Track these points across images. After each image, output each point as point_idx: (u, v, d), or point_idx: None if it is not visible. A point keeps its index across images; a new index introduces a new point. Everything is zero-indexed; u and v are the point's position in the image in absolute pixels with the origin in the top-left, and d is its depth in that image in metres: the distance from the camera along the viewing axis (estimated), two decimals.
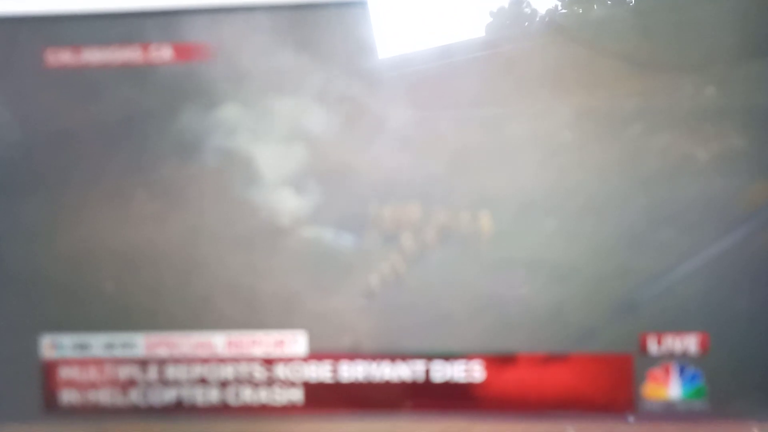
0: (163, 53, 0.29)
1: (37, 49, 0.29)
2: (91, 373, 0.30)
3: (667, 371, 0.28)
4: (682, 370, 0.27)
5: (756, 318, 0.27)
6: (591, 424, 0.28)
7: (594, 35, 0.27)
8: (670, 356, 0.28)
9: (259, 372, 0.29)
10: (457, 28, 0.28)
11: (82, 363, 0.30)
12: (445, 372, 0.28)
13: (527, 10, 0.28)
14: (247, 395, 0.29)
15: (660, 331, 0.27)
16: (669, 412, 0.28)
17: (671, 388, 0.28)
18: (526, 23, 0.28)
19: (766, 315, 0.27)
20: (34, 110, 0.29)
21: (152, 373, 0.30)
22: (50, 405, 0.30)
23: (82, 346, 0.30)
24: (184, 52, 0.29)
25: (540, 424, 0.28)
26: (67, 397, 0.30)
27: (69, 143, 0.29)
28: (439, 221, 0.28)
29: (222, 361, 0.29)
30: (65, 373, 0.30)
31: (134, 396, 0.30)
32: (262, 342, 0.29)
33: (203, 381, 0.29)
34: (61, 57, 0.29)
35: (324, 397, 0.29)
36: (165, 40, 0.29)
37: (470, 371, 0.28)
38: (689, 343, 0.27)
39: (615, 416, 0.28)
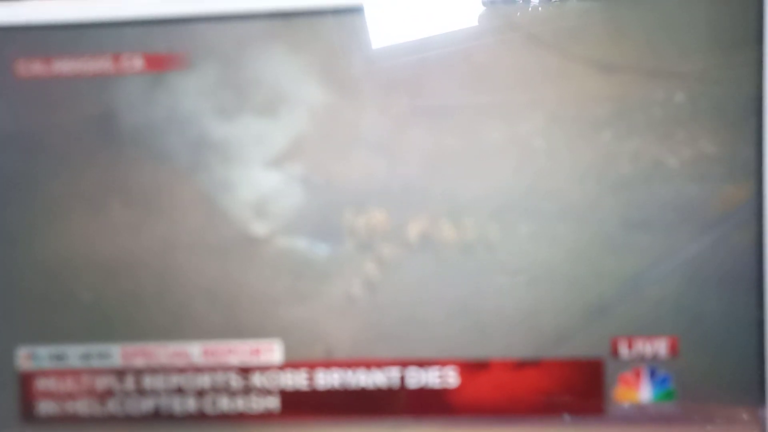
0: (135, 63, 0.29)
1: (7, 60, 0.29)
2: (68, 384, 0.30)
3: (637, 375, 0.28)
4: (652, 374, 0.28)
5: (724, 321, 0.27)
6: (562, 426, 0.28)
7: (565, 41, 0.27)
8: (641, 360, 0.28)
9: (235, 381, 0.29)
10: (432, 33, 0.28)
11: (59, 374, 0.30)
12: (419, 378, 0.29)
13: (499, 18, 0.28)
14: (224, 404, 0.29)
15: (631, 335, 0.28)
16: (639, 414, 0.28)
17: (642, 392, 0.28)
18: (498, 30, 0.28)
19: (734, 318, 0.27)
20: (7, 121, 0.29)
21: (129, 382, 0.30)
22: (27, 416, 0.30)
23: (59, 357, 0.30)
24: (155, 62, 0.29)
25: (513, 428, 0.28)
26: (45, 407, 0.30)
27: (42, 154, 0.29)
28: (413, 229, 0.28)
29: (198, 370, 0.29)
30: (42, 384, 0.30)
31: (112, 406, 0.30)
32: (238, 351, 0.29)
33: (180, 390, 0.29)
34: (32, 68, 0.29)
35: (300, 405, 0.29)
36: (136, 50, 0.29)
37: (444, 377, 0.29)
38: (659, 346, 0.28)
39: (586, 419, 0.28)
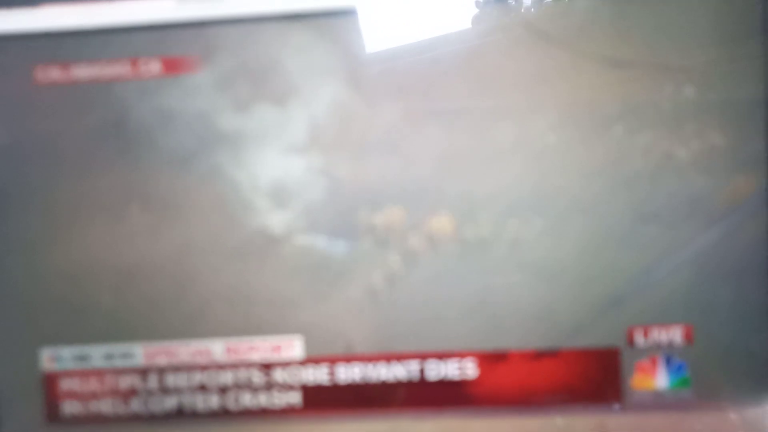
0: (152, 67, 0.29)
1: (26, 67, 0.29)
2: (92, 384, 0.30)
3: (653, 363, 0.28)
4: (668, 362, 0.28)
5: (737, 309, 0.28)
6: (581, 415, 0.29)
7: (575, 38, 0.28)
8: (657, 348, 0.28)
9: (257, 377, 0.30)
10: (439, 31, 0.28)
11: (83, 374, 0.30)
12: (439, 370, 0.29)
13: (506, 15, 0.28)
14: (247, 400, 0.30)
15: (646, 325, 0.28)
16: (656, 401, 0.29)
17: (658, 379, 0.28)
18: (508, 29, 0.28)
19: (746, 306, 0.28)
20: (26, 128, 0.30)
21: (152, 381, 0.30)
22: (52, 416, 0.30)
23: (82, 358, 0.30)
24: (173, 65, 0.29)
25: (532, 417, 0.29)
26: (69, 408, 0.30)
27: (62, 159, 0.30)
28: (429, 225, 0.29)
29: (221, 367, 0.30)
30: (66, 384, 0.30)
31: (135, 405, 0.30)
32: (259, 348, 0.30)
33: (203, 388, 0.30)
34: (51, 74, 0.29)
35: (322, 399, 0.30)
36: (154, 54, 0.29)
37: (464, 369, 0.29)
38: (674, 335, 0.28)
39: (604, 407, 0.29)
